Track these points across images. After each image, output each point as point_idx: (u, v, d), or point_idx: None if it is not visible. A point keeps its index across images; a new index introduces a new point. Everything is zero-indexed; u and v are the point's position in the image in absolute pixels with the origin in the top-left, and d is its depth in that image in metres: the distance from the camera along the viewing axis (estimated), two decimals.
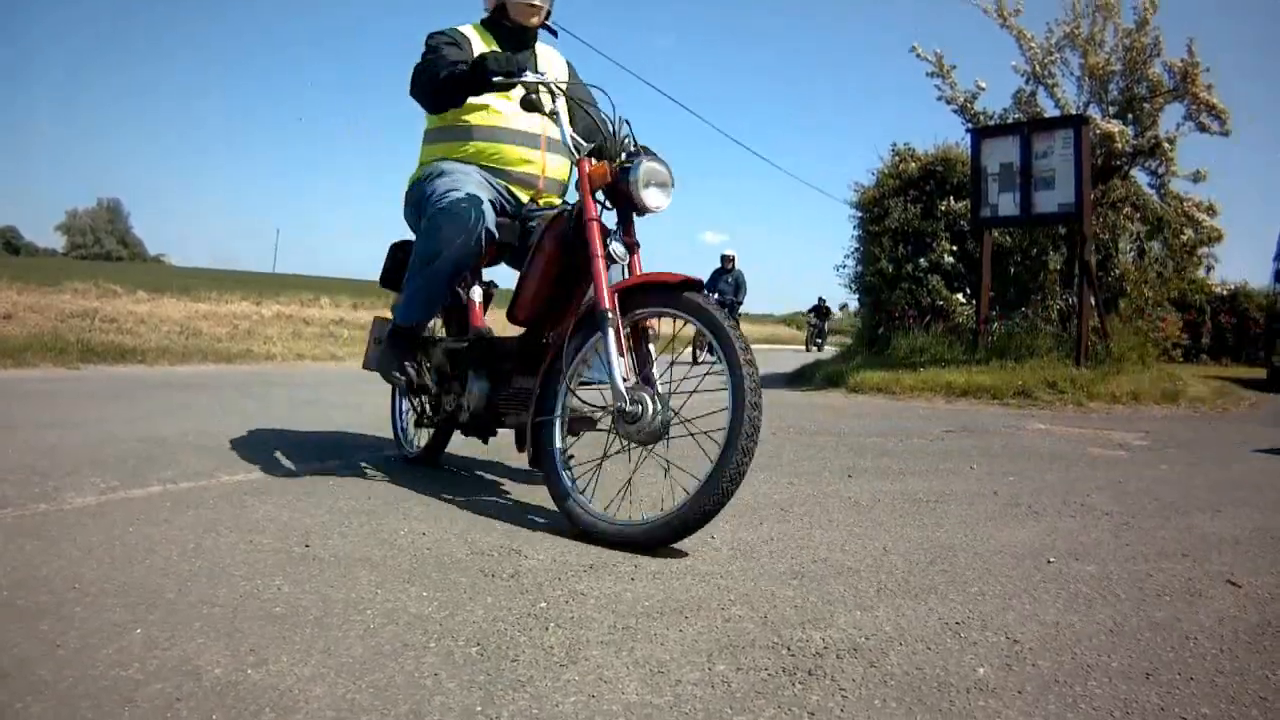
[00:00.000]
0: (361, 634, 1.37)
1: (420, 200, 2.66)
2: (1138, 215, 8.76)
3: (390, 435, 3.33)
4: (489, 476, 2.90)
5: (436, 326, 3.00)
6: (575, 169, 2.41)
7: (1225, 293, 15.94)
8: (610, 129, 2.41)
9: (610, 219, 2.35)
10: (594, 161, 2.35)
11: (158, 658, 1.24)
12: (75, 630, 1.34)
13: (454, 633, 1.40)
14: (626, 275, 2.33)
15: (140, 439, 3.26)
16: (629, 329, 2.21)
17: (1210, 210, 8.74)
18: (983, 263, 7.60)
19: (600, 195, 2.34)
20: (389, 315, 2.88)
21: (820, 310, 26.19)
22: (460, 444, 3.16)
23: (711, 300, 2.10)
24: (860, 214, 9.44)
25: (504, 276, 3.35)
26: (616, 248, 2.27)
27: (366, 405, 4.91)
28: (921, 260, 8.54)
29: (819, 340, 24.51)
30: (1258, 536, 2.36)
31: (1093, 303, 7.18)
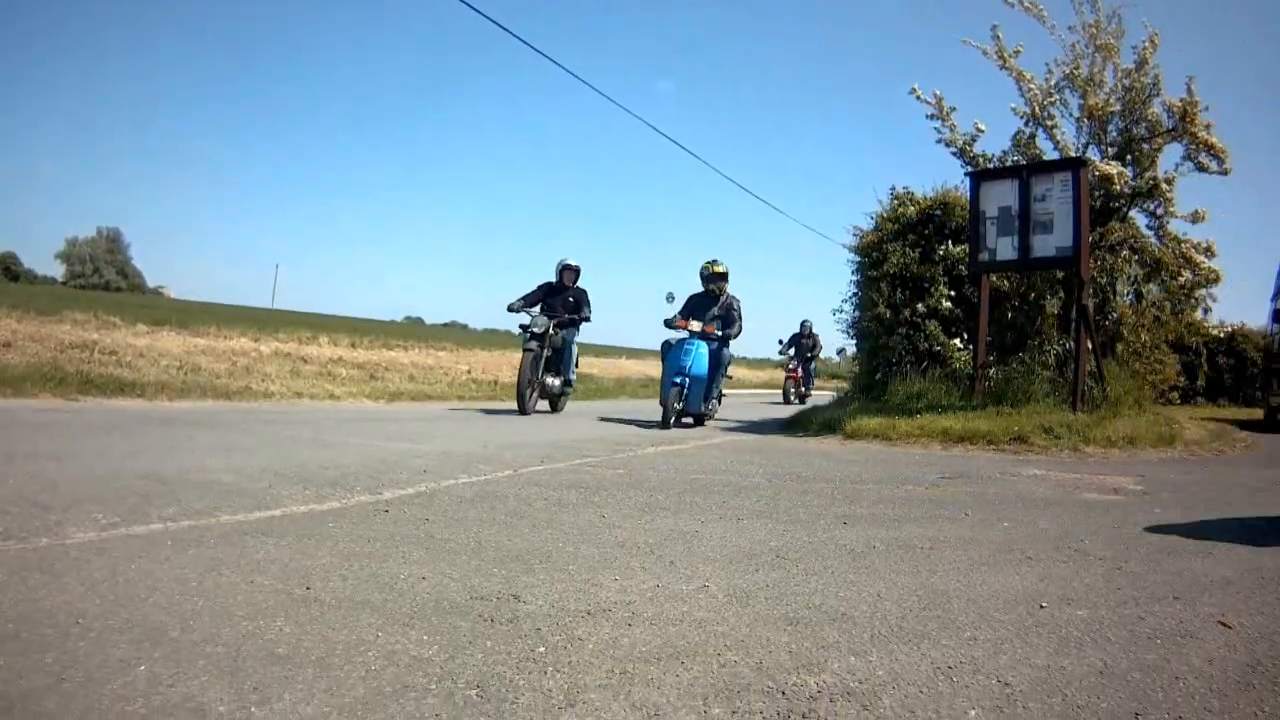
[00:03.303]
0: (363, 675, 1.39)
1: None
2: (1135, 258, 8.79)
3: (392, 474, 3.41)
4: (484, 520, 2.91)
5: None
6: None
7: (1222, 334, 16.03)
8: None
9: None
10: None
11: (162, 694, 1.26)
12: (80, 665, 1.36)
13: (454, 675, 1.42)
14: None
15: (140, 475, 3.27)
16: None
17: (1208, 251, 8.67)
18: (980, 308, 7.66)
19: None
20: None
21: (803, 340, 16.57)
22: (458, 492, 3.17)
23: None
24: (859, 258, 9.48)
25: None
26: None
27: (364, 445, 4.94)
28: (919, 305, 8.56)
29: (804, 387, 15.98)
30: (1249, 577, 2.39)
31: (1089, 347, 7.22)
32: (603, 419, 8.31)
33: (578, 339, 9.42)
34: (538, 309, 9.05)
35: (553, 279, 9.47)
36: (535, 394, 8.76)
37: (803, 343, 16.43)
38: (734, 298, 8.58)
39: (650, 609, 1.88)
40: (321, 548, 2.29)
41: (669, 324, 8.37)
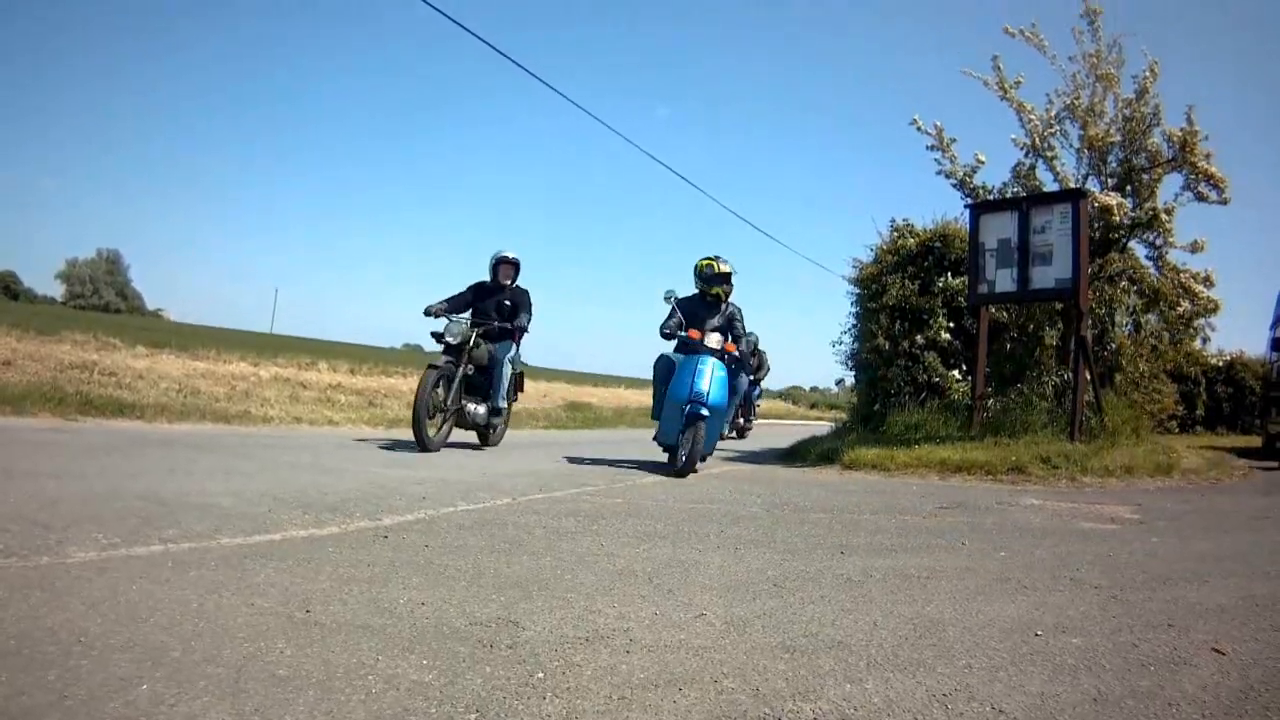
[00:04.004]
0: (364, 698, 1.40)
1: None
2: (1134, 288, 8.79)
3: (391, 500, 3.43)
4: (483, 546, 2.92)
5: None
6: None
7: (1221, 363, 15.98)
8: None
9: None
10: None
11: (164, 714, 1.28)
12: (83, 682, 1.37)
13: (454, 700, 1.43)
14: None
15: (140, 496, 3.29)
16: None
17: (1207, 281, 8.58)
18: (979, 339, 7.68)
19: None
20: None
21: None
22: (457, 519, 3.18)
23: None
24: (858, 290, 9.51)
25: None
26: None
27: (363, 471, 4.95)
28: (918, 337, 8.56)
29: (744, 418, 13.37)
30: (1244, 604, 2.40)
31: (1088, 377, 7.23)
32: (571, 459, 6.74)
33: (513, 355, 7.29)
34: (468, 315, 7.16)
35: (486, 278, 7.49)
36: (447, 424, 6.78)
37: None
38: (736, 307, 6.65)
39: (648, 636, 1.89)
40: (321, 572, 2.30)
41: (667, 334, 6.38)
